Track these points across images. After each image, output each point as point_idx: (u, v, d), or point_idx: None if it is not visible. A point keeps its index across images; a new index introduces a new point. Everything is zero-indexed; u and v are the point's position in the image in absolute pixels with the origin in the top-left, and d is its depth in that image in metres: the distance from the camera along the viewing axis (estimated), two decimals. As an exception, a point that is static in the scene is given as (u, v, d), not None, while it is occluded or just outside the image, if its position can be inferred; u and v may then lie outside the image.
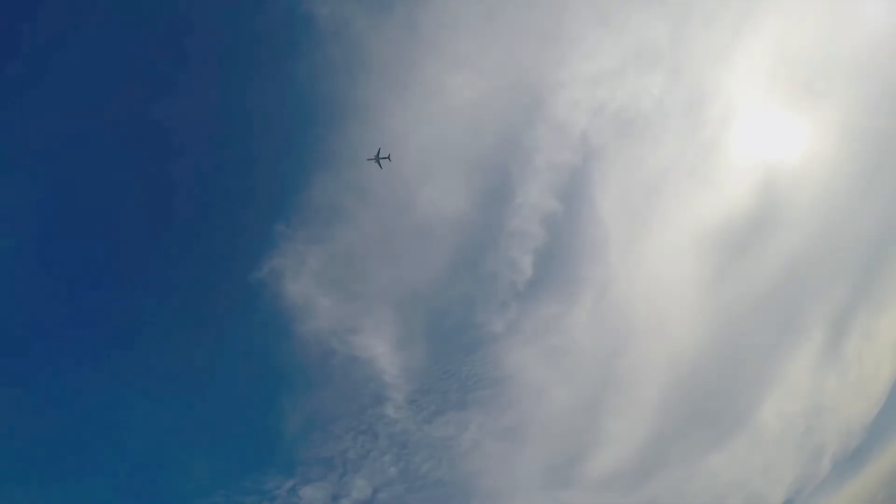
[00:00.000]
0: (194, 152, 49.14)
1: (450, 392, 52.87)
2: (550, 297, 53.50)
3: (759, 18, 51.20)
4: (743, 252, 54.16)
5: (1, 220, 43.74)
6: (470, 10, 49.95)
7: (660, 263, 54.02)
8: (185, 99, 47.76)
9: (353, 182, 48.24)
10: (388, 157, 46.26)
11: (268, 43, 48.63)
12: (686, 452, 56.02)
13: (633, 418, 54.25)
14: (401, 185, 50.35)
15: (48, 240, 46.34)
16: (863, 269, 54.04)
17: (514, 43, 51.23)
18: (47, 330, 46.16)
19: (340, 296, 50.22)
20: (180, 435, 48.21)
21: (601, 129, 52.11)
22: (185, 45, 47.49)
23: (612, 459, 53.49)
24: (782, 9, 51.23)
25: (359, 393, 51.07)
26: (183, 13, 47.19)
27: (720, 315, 55.24)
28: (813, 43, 51.10)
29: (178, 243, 49.19)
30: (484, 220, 52.04)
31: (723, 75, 52.68)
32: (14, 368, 43.99)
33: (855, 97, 51.22)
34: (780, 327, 57.05)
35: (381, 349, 50.46)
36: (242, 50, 48.48)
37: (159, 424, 47.07)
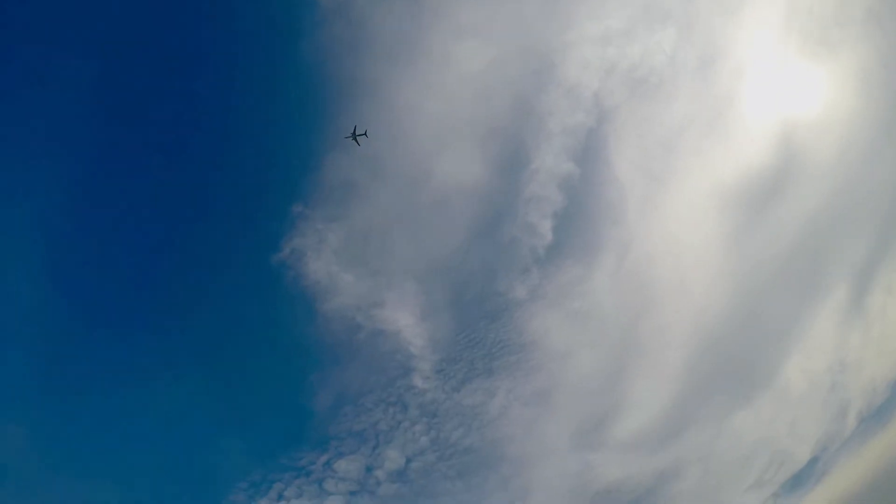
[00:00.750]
0: (207, 139, 49.70)
1: (476, 360, 53.42)
2: (571, 260, 53.54)
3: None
4: (763, 208, 53.68)
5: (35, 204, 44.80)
6: (473, -23, 49.61)
7: (679, 223, 53.69)
8: (194, 86, 48.19)
9: (367, 158, 48.47)
10: (366, 134, 45.88)
11: (274, 23, 48.71)
12: (711, 412, 56.18)
13: (657, 379, 54.46)
14: (415, 157, 50.46)
15: (75, 232, 47.40)
16: (885, 223, 53.32)
17: (521, 7, 50.71)
18: (86, 315, 47.36)
19: (362, 271, 50.74)
20: (215, 417, 49.43)
21: (614, 89, 51.61)
22: (196, 28, 47.83)
23: (638, 421, 53.89)
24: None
25: (386, 366, 51.83)
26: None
27: (742, 273, 54.94)
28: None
29: (199, 232, 50.00)
30: (501, 187, 52.05)
31: (735, 29, 51.68)
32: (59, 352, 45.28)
33: (872, 46, 50.09)
34: (803, 284, 56.61)
35: (406, 321, 51.03)
36: (251, 33, 48.67)
37: (194, 407, 48.26)
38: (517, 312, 54.85)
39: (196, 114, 49.12)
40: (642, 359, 54.68)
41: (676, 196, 53.92)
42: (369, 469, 49.95)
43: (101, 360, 47.60)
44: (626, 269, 54.75)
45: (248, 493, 46.69)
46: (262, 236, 50.88)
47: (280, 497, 46.86)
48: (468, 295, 55.19)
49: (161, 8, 46.66)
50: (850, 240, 53.87)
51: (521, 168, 51.91)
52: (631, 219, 54.28)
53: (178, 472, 48.85)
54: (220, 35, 48.38)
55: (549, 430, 53.85)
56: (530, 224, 51.74)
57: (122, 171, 49.17)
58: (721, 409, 55.93)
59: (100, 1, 45.85)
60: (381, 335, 51.60)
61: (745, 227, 53.66)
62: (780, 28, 51.76)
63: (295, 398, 53.49)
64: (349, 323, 51.07)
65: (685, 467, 54.78)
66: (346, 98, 47.76)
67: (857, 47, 50.38)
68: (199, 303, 50.54)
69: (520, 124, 51.89)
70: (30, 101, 43.99)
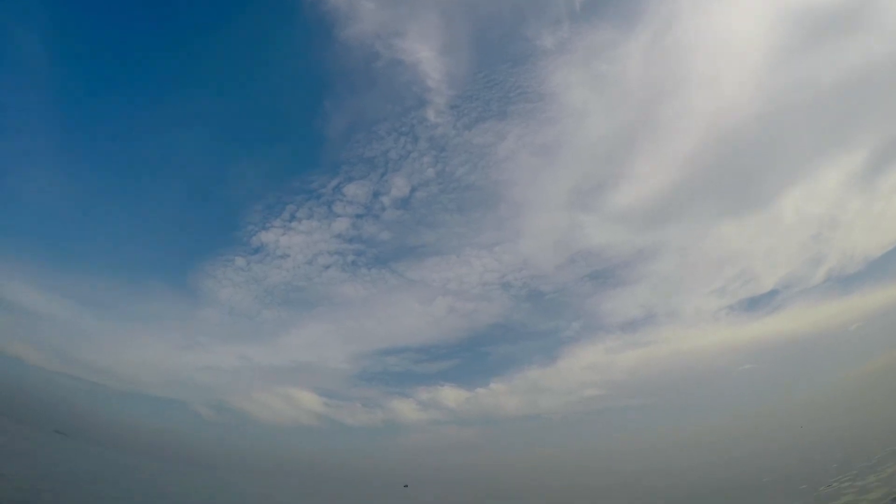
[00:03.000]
0: None
1: (491, 101, 53.82)
2: (608, 22, 51.08)
3: None
4: (820, 39, 48.48)
5: None
6: None
7: (731, 21, 49.17)
8: None
9: None
10: None
11: None
12: (702, 211, 56.84)
13: (663, 162, 54.57)
14: None
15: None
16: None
17: None
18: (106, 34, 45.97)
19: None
20: (230, 140, 51.57)
21: None
22: None
23: (634, 196, 54.98)
24: None
25: (401, 96, 52.64)
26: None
27: (776, 92, 51.67)
28: None
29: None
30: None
31: None
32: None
33: None
34: (829, 130, 53.72)
35: (426, 54, 50.59)
36: None
37: (211, 129, 50.16)
38: (541, 62, 54.23)
39: None
40: (654, 138, 54.33)
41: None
42: (376, 195, 53.82)
43: (118, 78, 48.68)
44: (662, 47, 51.87)
45: (262, 215, 51.36)
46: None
47: (292, 218, 51.55)
48: (493, 34, 53.71)
49: None
50: (890, 109, 49.41)
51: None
52: (682, -1, 48.90)
53: (194, 194, 52.28)
54: None
55: (550, 183, 56.38)
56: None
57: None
58: (711, 212, 56.68)
59: None
60: (398, 65, 52.00)
61: (794, 51, 49.23)
62: None
63: (309, 123, 55.41)
64: (367, 51, 51.25)
65: (663, 253, 57.96)
66: None
67: None
68: (217, 25, 50.20)
69: None
70: None
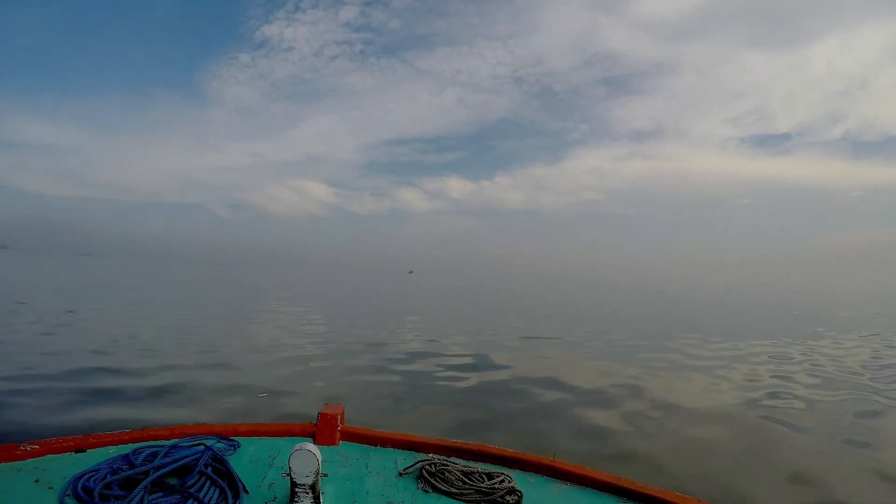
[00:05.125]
0: None
1: None
2: None
3: None
4: None
5: None
6: None
7: None
8: None
9: None
10: None
11: None
12: (730, 34, 63.67)
13: None
14: None
15: None
16: None
17: None
18: None
19: None
20: None
21: None
22: None
23: (661, 3, 48.36)
24: None
25: None
26: None
27: None
28: None
29: None
30: None
31: None
32: None
33: None
34: None
35: None
36: None
37: None
38: None
39: None
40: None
41: None
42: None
43: None
44: None
45: (264, 8, 47.92)
46: None
47: (296, 8, 48.47)
48: None
49: None
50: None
51: None
52: None
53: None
54: None
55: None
56: None
57: None
58: (740, 38, 52.02)
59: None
60: None
61: None
62: None
63: None
64: None
65: (682, 70, 54.59)
66: None
67: None
68: None
69: None
70: None
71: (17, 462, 1.71)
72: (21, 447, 1.76)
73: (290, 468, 1.57)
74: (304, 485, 1.59)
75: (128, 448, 1.84)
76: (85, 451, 1.87)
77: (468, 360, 9.14)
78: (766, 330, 16.89)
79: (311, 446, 1.58)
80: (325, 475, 1.71)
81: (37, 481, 1.60)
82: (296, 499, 1.59)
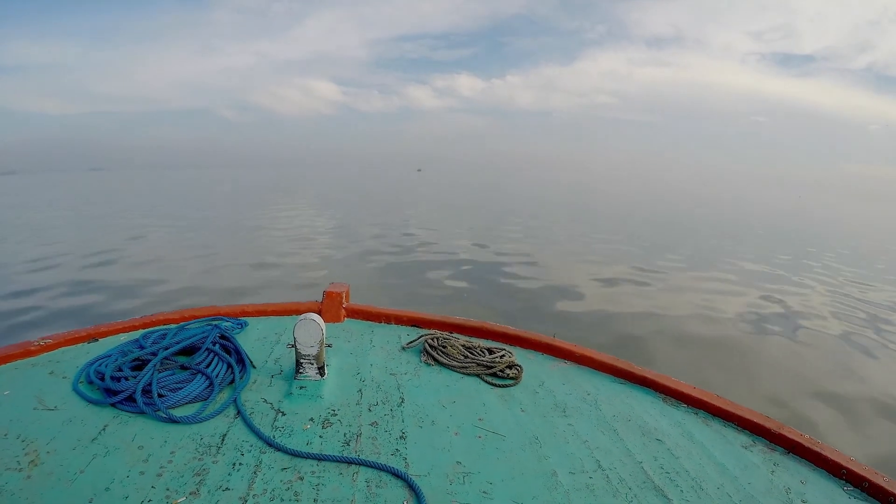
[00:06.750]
0: None
1: None
2: None
3: None
4: None
5: None
6: None
7: None
8: None
9: None
10: None
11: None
12: None
13: None
14: None
15: None
16: None
17: None
18: None
19: None
20: None
21: None
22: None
23: None
24: None
25: None
26: None
27: None
28: None
29: None
30: None
31: None
32: None
33: None
34: None
35: None
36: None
37: None
38: None
39: None
40: None
41: None
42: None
43: None
44: None
45: None
46: None
47: None
48: None
49: None
50: None
51: None
52: None
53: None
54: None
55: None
56: None
57: None
58: None
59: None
60: None
61: None
62: None
63: None
64: None
65: None
66: None
67: None
68: None
69: None
70: None
71: (32, 357, 1.74)
72: (35, 343, 1.78)
73: (294, 338, 1.59)
74: (308, 355, 1.62)
75: (139, 334, 1.88)
76: (97, 339, 1.92)
77: (470, 246, 10.36)
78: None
79: (315, 316, 1.58)
80: (330, 345, 1.74)
81: (51, 373, 1.63)
82: (301, 369, 1.63)
